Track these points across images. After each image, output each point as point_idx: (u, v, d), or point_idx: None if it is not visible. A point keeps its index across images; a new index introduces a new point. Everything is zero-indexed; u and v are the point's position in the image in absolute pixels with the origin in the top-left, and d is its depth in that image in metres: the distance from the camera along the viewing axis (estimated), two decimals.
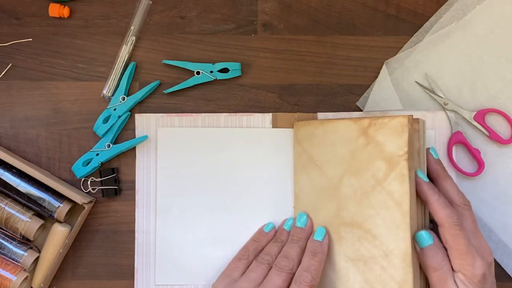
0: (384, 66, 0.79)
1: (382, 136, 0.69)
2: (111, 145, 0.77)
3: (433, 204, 0.68)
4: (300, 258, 0.72)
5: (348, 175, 0.72)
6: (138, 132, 0.79)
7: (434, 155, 0.73)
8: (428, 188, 0.69)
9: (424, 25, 0.79)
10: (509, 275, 0.77)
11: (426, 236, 0.68)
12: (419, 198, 0.69)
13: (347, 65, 0.80)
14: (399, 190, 0.68)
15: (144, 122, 0.78)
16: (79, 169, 0.77)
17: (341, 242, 0.72)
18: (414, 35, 0.79)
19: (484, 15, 0.79)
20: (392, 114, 0.76)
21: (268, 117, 0.78)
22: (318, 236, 0.73)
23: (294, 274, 0.70)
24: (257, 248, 0.75)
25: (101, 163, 0.78)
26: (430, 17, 0.80)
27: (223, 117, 0.78)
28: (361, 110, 0.79)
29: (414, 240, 0.68)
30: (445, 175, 0.72)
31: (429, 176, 0.72)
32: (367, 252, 0.69)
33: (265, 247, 0.75)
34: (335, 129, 0.73)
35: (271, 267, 0.71)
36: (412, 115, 0.69)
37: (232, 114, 0.79)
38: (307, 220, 0.75)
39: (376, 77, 0.79)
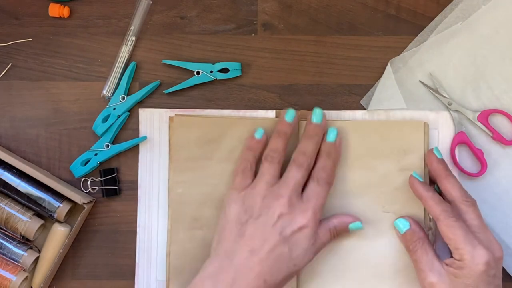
0: (388, 65, 0.78)
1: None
2: (109, 145, 0.77)
3: (428, 201, 0.70)
4: (315, 154, 0.72)
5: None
6: (142, 128, 0.78)
7: (437, 155, 0.73)
8: (422, 186, 0.71)
9: (429, 24, 0.79)
10: (510, 275, 0.77)
11: (401, 223, 0.72)
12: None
13: (347, 65, 0.79)
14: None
15: (147, 117, 0.78)
16: (77, 169, 0.77)
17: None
18: (419, 34, 0.79)
19: (489, 15, 0.79)
20: (395, 113, 0.78)
21: (271, 113, 0.78)
22: (330, 138, 0.73)
23: (310, 170, 0.71)
24: (256, 156, 0.72)
25: (100, 163, 0.78)
26: (431, 17, 0.79)
27: (226, 113, 0.78)
28: (365, 109, 0.79)
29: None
30: (447, 173, 0.72)
31: (431, 175, 0.74)
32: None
33: (270, 143, 0.72)
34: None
35: (281, 164, 0.71)
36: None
37: (235, 110, 0.78)
38: (322, 116, 0.74)
39: (377, 77, 0.79)
